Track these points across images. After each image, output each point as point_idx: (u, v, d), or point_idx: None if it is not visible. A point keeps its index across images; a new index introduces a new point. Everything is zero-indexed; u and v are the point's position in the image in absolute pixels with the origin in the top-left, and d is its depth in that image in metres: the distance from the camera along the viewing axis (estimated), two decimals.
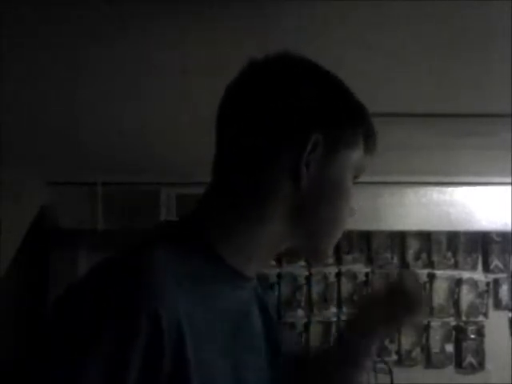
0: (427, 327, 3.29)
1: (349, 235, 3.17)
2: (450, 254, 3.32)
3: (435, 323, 3.29)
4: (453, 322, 3.31)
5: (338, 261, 3.26)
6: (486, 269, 3.33)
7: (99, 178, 3.03)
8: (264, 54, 0.83)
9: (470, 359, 3.27)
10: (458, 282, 3.31)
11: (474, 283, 3.31)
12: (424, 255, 3.31)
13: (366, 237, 3.23)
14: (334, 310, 3.27)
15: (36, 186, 2.99)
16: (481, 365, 3.27)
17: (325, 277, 3.29)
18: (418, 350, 3.28)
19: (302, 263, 3.26)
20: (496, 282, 3.33)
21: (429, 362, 3.29)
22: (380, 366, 3.02)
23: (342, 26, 1.38)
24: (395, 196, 3.08)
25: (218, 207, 0.82)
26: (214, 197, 0.83)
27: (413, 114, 2.02)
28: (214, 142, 0.85)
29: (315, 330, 3.26)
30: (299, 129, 0.79)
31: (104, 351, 0.65)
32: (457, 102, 1.94)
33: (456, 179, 3.09)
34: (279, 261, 3.21)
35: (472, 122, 2.08)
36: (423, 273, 3.29)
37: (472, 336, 3.28)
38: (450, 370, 3.29)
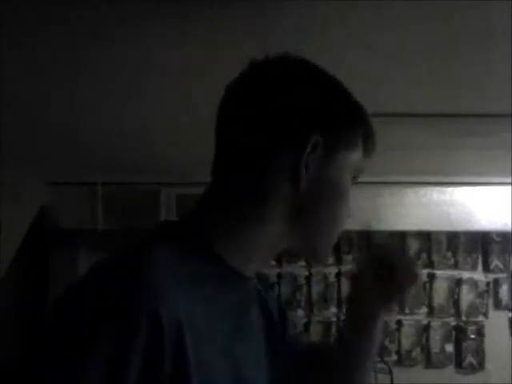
0: (427, 327, 3.29)
1: (349, 235, 3.17)
2: (450, 254, 3.32)
3: (435, 323, 3.29)
4: (453, 322, 3.31)
5: (338, 261, 3.26)
6: (486, 269, 3.33)
7: (99, 178, 3.04)
8: (264, 54, 0.83)
9: (469, 359, 3.27)
10: (458, 282, 3.31)
11: (473, 283, 3.31)
12: (424, 255, 3.31)
13: (366, 237, 3.24)
14: (333, 309, 3.28)
15: (36, 185, 3.00)
16: (481, 365, 3.27)
17: (325, 277, 3.29)
18: (418, 350, 3.28)
19: (302, 263, 3.26)
20: (496, 282, 3.33)
21: (429, 362, 3.29)
22: (380, 365, 3.02)
23: (341, 25, 1.38)
24: (395, 196, 3.08)
25: (217, 207, 0.82)
26: (213, 197, 0.83)
27: (413, 114, 2.03)
28: (213, 142, 0.85)
29: (315, 330, 3.26)
30: (299, 129, 0.79)
31: (104, 351, 0.65)
32: (457, 102, 1.94)
33: (456, 179, 3.09)
34: (279, 261, 3.21)
35: (472, 122, 2.08)
36: (423, 273, 3.30)
37: (472, 336, 3.28)
38: (450, 370, 3.29)
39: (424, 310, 3.31)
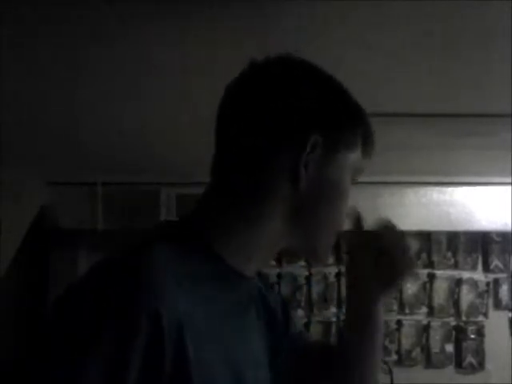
0: (427, 327, 3.29)
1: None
2: (450, 254, 3.32)
3: (435, 323, 3.29)
4: (453, 322, 3.31)
5: (338, 261, 3.26)
6: (486, 269, 3.33)
7: (99, 178, 3.03)
8: (264, 54, 0.83)
9: (469, 359, 3.27)
10: (458, 282, 3.31)
11: (473, 283, 3.31)
12: (424, 255, 3.31)
13: None
14: (333, 310, 3.27)
15: (36, 185, 2.99)
16: (481, 365, 3.27)
17: (325, 277, 3.29)
18: (418, 349, 3.28)
19: (302, 263, 3.26)
20: (496, 282, 3.33)
21: (429, 362, 3.28)
22: (380, 365, 3.02)
23: (341, 26, 1.38)
24: (395, 196, 3.08)
25: (217, 207, 0.82)
26: (213, 197, 0.83)
27: (413, 114, 2.03)
28: (213, 142, 0.85)
29: (315, 330, 3.26)
30: (298, 129, 0.79)
31: (104, 351, 0.65)
32: (457, 102, 1.94)
33: (456, 179, 3.09)
34: (279, 261, 3.21)
35: (472, 121, 2.08)
36: (423, 273, 3.30)
37: (472, 336, 3.28)
38: (450, 370, 3.29)
39: (424, 309, 3.30)
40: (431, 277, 3.31)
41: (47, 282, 3.10)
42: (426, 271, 3.30)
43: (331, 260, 3.21)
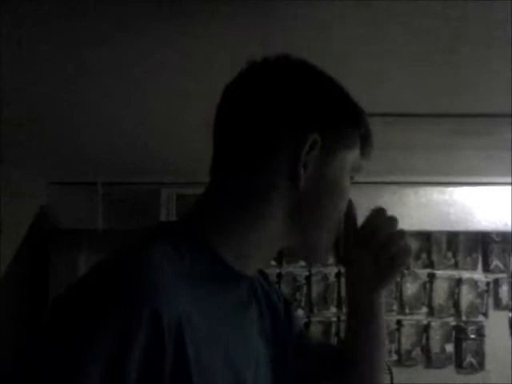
0: (427, 327, 3.29)
1: None
2: (450, 254, 3.32)
3: (435, 323, 3.29)
4: (453, 322, 3.31)
5: (338, 261, 3.26)
6: (486, 269, 3.33)
7: (99, 178, 3.03)
8: (264, 54, 0.84)
9: (470, 359, 3.27)
10: (458, 282, 3.31)
11: (473, 283, 3.31)
12: (424, 255, 3.31)
13: None
14: (333, 310, 3.28)
15: (36, 186, 2.99)
16: (481, 365, 3.27)
17: (325, 277, 3.29)
18: (418, 349, 3.28)
19: (302, 263, 3.26)
20: (496, 282, 3.33)
21: (429, 362, 3.29)
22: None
23: (341, 26, 1.37)
24: (395, 196, 3.08)
25: (216, 207, 0.82)
26: (212, 197, 0.83)
27: (413, 114, 2.02)
28: (213, 142, 0.85)
29: (315, 330, 3.26)
30: (297, 129, 0.80)
31: (104, 351, 0.65)
32: (457, 102, 1.94)
33: (456, 179, 3.09)
34: (279, 261, 3.21)
35: (472, 121, 2.08)
36: (423, 273, 3.30)
37: (472, 336, 3.28)
38: (450, 369, 3.29)
39: (424, 310, 3.31)
40: (431, 277, 3.31)
41: (47, 282, 3.10)
42: (425, 271, 3.30)
43: (331, 260, 3.21)
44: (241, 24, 1.36)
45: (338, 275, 3.29)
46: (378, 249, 0.92)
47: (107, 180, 3.04)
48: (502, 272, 3.32)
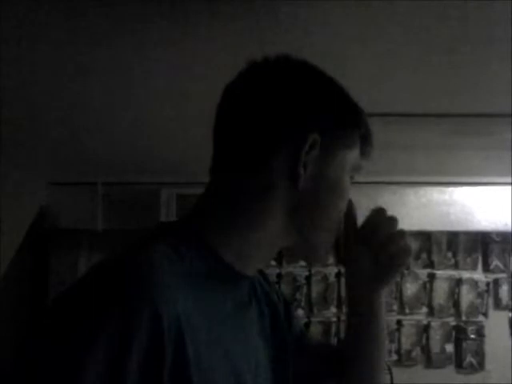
0: (427, 327, 3.29)
1: None
2: (450, 254, 3.32)
3: (435, 323, 3.29)
4: (453, 322, 3.30)
5: (338, 261, 3.25)
6: (486, 269, 3.33)
7: (99, 178, 3.03)
8: (263, 54, 0.84)
9: (469, 359, 3.27)
10: (458, 282, 3.31)
11: (474, 283, 3.31)
12: (424, 255, 3.31)
13: None
14: (333, 310, 3.27)
15: (36, 186, 2.99)
16: (481, 365, 3.27)
17: (325, 277, 3.29)
18: (418, 349, 3.28)
19: (302, 263, 3.26)
20: (496, 282, 3.32)
21: (429, 362, 3.28)
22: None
23: (341, 26, 1.38)
24: (395, 196, 3.08)
25: (216, 207, 0.82)
26: (212, 197, 0.83)
27: (413, 113, 2.03)
28: (213, 142, 0.85)
29: (315, 330, 3.26)
30: (297, 129, 0.80)
31: (104, 351, 0.65)
32: (457, 102, 1.94)
33: (456, 179, 3.09)
34: (279, 261, 3.21)
35: (472, 121, 2.08)
36: (423, 273, 3.30)
37: (472, 336, 3.27)
38: (450, 369, 3.29)
39: (424, 310, 3.30)
40: (431, 277, 3.31)
41: (47, 282, 3.10)
42: (425, 271, 3.30)
43: (331, 260, 3.21)
44: (241, 24, 1.36)
45: (338, 275, 3.29)
46: (379, 248, 0.92)
47: (107, 180, 3.04)
48: (502, 272, 3.32)
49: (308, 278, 3.29)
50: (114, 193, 3.07)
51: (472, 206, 3.13)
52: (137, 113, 2.04)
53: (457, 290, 3.31)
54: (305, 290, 3.29)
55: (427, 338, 3.28)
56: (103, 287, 0.69)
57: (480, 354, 3.27)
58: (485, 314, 3.30)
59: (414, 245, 3.28)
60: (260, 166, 0.80)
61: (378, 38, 1.44)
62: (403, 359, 3.26)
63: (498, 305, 3.32)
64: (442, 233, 3.28)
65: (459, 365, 3.28)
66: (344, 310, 3.25)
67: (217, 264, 0.78)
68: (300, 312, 3.27)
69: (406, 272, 3.24)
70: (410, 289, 3.29)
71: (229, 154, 0.83)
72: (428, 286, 3.30)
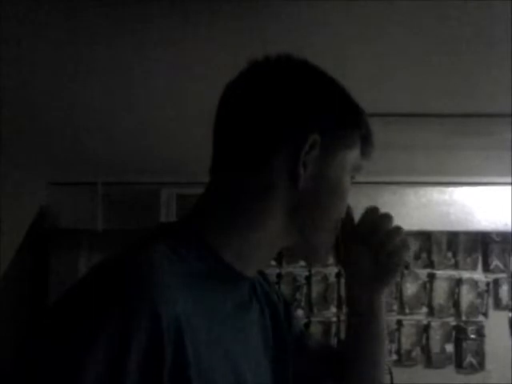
0: (427, 327, 3.29)
1: None
2: (450, 254, 3.32)
3: (435, 323, 3.29)
4: (453, 322, 3.30)
5: (338, 261, 3.25)
6: (486, 269, 3.33)
7: (99, 178, 3.03)
8: (264, 54, 0.84)
9: (469, 359, 3.27)
10: (458, 282, 3.31)
11: (474, 283, 3.31)
12: (424, 255, 3.31)
13: None
14: (333, 310, 3.27)
15: (36, 186, 2.99)
16: (481, 365, 3.27)
17: (325, 277, 3.29)
18: (418, 349, 3.28)
19: (302, 263, 3.26)
20: (496, 282, 3.32)
21: (429, 362, 3.28)
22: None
23: (342, 26, 1.38)
24: (395, 196, 3.08)
25: (216, 207, 0.82)
26: (212, 197, 0.83)
27: (413, 113, 2.02)
28: (213, 142, 0.85)
29: (315, 330, 3.26)
30: (297, 129, 0.79)
31: (104, 351, 0.65)
32: (457, 102, 1.94)
33: (456, 179, 3.09)
34: (279, 261, 3.21)
35: (472, 122, 2.08)
36: (423, 273, 3.30)
37: (472, 336, 3.27)
38: (450, 369, 3.29)
39: (424, 310, 3.30)
40: (431, 277, 3.31)
41: (47, 282, 3.10)
42: (425, 271, 3.30)
43: (331, 260, 3.21)
44: (241, 24, 1.36)
45: (338, 275, 3.29)
46: (378, 248, 0.92)
47: (107, 180, 3.04)
48: (502, 272, 3.32)
49: (308, 278, 3.29)
50: (113, 193, 3.08)
51: (472, 206, 3.13)
52: (137, 113, 2.04)
53: (457, 290, 3.31)
54: (305, 290, 3.29)
55: (427, 338, 3.28)
56: (103, 287, 0.69)
57: (480, 354, 3.27)
58: (485, 314, 3.30)
59: (414, 245, 3.28)
60: (260, 166, 0.80)
61: (378, 38, 1.44)
62: (403, 359, 3.26)
63: (498, 305, 3.32)
64: (442, 233, 3.28)
65: (459, 365, 3.28)
66: (344, 310, 3.25)
67: (217, 264, 0.78)
68: (300, 312, 3.27)
69: (405, 272, 3.25)
70: (410, 289, 3.29)
71: (229, 154, 0.83)
72: (428, 286, 3.30)
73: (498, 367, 3.22)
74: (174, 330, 0.68)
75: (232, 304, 0.81)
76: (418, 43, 1.47)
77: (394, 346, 3.26)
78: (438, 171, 2.97)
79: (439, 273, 3.31)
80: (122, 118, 2.10)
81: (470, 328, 3.28)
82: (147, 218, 2.92)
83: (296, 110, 0.80)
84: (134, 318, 0.66)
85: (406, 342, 3.27)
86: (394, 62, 1.60)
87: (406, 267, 3.20)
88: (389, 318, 3.19)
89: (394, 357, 3.25)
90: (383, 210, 0.94)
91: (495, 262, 3.32)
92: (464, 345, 3.27)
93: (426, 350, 3.28)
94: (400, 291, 3.27)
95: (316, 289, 3.29)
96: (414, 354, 3.27)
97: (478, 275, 3.32)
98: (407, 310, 3.28)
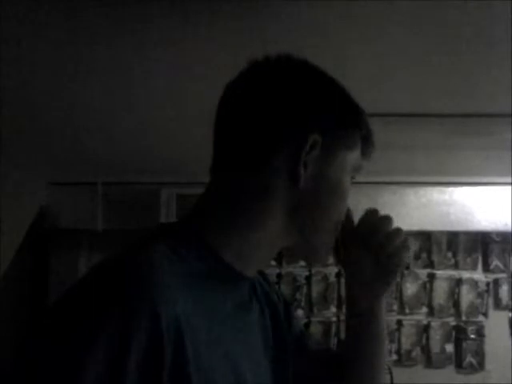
0: (427, 327, 3.29)
1: None
2: (450, 254, 3.32)
3: (435, 323, 3.29)
4: (453, 322, 3.31)
5: (338, 260, 3.25)
6: (486, 269, 3.33)
7: (99, 178, 3.03)
8: (264, 54, 0.84)
9: (469, 359, 3.27)
10: (458, 282, 3.31)
11: (474, 283, 3.31)
12: (424, 255, 3.31)
13: None
14: (333, 310, 3.27)
15: (36, 186, 2.99)
16: (481, 365, 3.27)
17: (325, 277, 3.29)
18: (418, 349, 3.28)
19: (302, 263, 3.26)
20: (496, 282, 3.32)
21: (429, 362, 3.28)
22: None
23: (342, 26, 1.38)
24: (395, 196, 3.08)
25: (216, 207, 0.82)
26: (212, 197, 0.83)
27: (413, 114, 2.03)
28: (213, 142, 0.85)
29: (315, 330, 3.26)
30: (298, 129, 0.79)
31: (104, 351, 0.65)
32: (457, 102, 1.94)
33: (456, 179, 3.09)
34: (279, 261, 3.21)
35: (472, 122, 2.08)
36: (423, 273, 3.30)
37: (472, 336, 3.27)
38: (450, 369, 3.29)
39: (424, 310, 3.30)
40: (431, 277, 3.31)
41: (47, 282, 3.10)
42: (425, 271, 3.30)
43: (331, 260, 3.21)
44: (241, 24, 1.36)
45: (338, 275, 3.29)
46: (379, 249, 0.92)
47: (107, 180, 3.04)
48: (502, 272, 3.32)
49: (308, 278, 3.30)
50: (113, 193, 3.08)
51: (472, 206, 3.13)
52: (137, 113, 2.04)
53: (457, 290, 3.31)
54: (305, 290, 3.29)
55: (427, 338, 3.28)
56: (103, 287, 0.69)
57: (480, 354, 3.27)
58: (485, 314, 3.30)
59: (414, 245, 3.28)
60: (260, 166, 0.80)
61: (378, 38, 1.44)
62: (403, 359, 3.26)
63: (498, 305, 3.32)
64: (442, 233, 3.28)
65: (459, 365, 3.28)
66: (344, 309, 3.24)
67: (217, 264, 0.78)
68: (300, 312, 3.27)
69: (406, 272, 3.25)
70: (410, 289, 3.29)
71: (229, 154, 0.82)
72: (428, 285, 3.30)
73: (498, 367, 3.22)
74: (174, 330, 0.68)
75: (232, 304, 0.81)
76: (417, 43, 1.47)
77: (394, 346, 3.26)
78: (438, 171, 2.97)
79: (439, 273, 3.31)
80: (122, 118, 2.10)
81: (470, 328, 3.28)
82: (147, 217, 2.92)
83: (296, 109, 0.80)
84: (133, 318, 0.66)
85: (406, 342, 3.27)
86: (393, 62, 1.60)
87: (407, 268, 3.20)
88: (389, 318, 3.19)
89: (394, 357, 3.25)
90: (383, 210, 0.94)
91: (495, 262, 3.32)
92: (464, 345, 3.27)
93: (425, 349, 3.28)
94: (400, 291, 3.27)
95: (316, 289, 3.29)
96: (414, 354, 3.27)
97: (478, 275, 3.32)
98: (407, 310, 3.28)
